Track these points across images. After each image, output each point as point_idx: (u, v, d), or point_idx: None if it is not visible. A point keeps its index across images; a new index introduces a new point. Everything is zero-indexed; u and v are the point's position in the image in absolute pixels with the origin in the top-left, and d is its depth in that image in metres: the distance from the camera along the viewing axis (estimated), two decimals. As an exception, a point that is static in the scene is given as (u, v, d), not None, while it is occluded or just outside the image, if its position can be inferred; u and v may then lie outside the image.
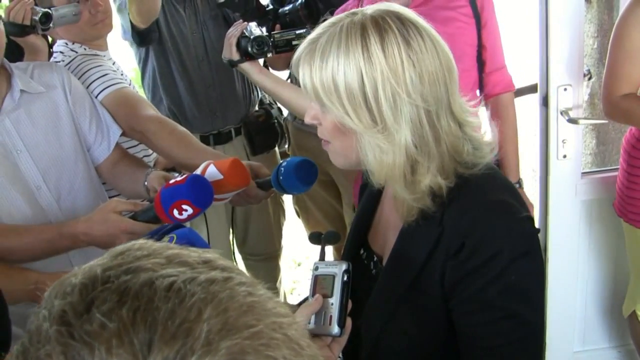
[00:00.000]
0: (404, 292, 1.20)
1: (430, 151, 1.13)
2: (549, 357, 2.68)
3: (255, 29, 1.96)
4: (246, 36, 1.92)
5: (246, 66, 1.95)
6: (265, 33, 1.95)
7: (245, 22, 1.98)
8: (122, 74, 2.21)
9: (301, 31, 1.95)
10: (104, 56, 2.20)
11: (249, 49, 1.91)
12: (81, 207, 1.80)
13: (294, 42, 1.94)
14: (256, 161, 1.91)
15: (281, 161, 1.58)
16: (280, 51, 1.96)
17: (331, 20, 1.17)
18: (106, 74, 2.07)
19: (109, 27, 2.21)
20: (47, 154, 1.77)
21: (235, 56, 1.93)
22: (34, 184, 1.74)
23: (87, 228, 1.54)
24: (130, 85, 2.19)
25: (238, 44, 1.92)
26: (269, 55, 1.94)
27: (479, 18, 2.08)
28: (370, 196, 1.40)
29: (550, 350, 2.67)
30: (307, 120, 1.24)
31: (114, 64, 2.23)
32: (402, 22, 1.12)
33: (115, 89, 2.03)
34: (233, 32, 1.95)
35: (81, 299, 0.51)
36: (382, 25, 1.11)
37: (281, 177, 1.53)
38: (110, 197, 1.97)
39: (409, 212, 1.18)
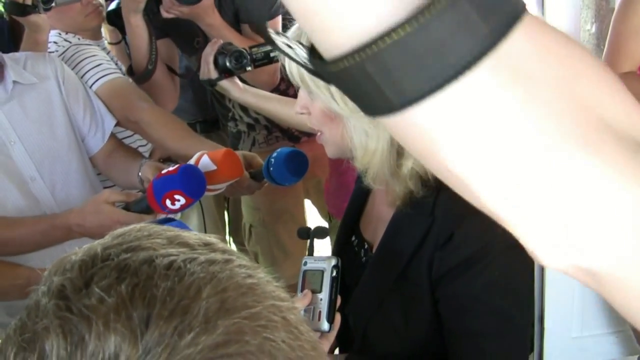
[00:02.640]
0: (391, 282, 1.19)
1: None
2: (547, 343, 2.68)
3: (231, 45, 1.91)
4: (223, 52, 1.86)
5: (226, 84, 1.87)
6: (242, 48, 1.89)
7: (221, 40, 1.93)
8: (116, 64, 2.20)
9: None
10: (98, 46, 2.19)
11: (228, 64, 1.85)
12: (76, 198, 1.79)
13: (272, 54, 1.88)
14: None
15: (272, 152, 1.57)
16: (259, 64, 1.89)
17: None
18: (100, 64, 2.06)
19: (100, 17, 2.19)
20: (41, 145, 1.76)
21: (214, 74, 1.86)
22: (28, 175, 1.73)
23: (80, 219, 1.53)
24: (124, 75, 2.18)
25: (215, 62, 1.86)
26: (248, 69, 1.87)
27: None
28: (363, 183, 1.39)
29: (548, 335, 2.67)
30: (297, 109, 1.23)
31: (108, 53, 2.23)
32: None
33: (110, 79, 2.02)
34: (209, 51, 1.88)
35: (80, 275, 0.51)
36: None
37: (271, 169, 1.53)
38: (105, 188, 1.97)
39: (397, 196, 1.17)
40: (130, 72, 2.21)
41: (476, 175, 0.38)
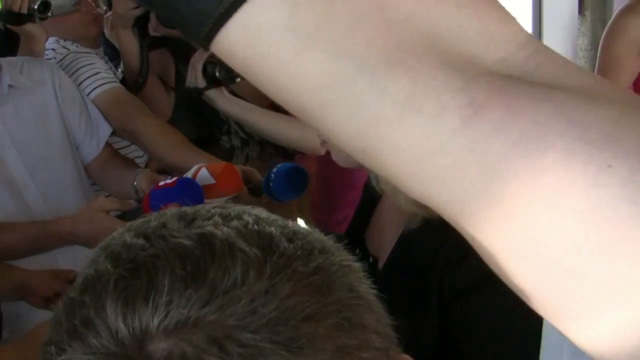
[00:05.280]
0: (400, 299, 1.16)
1: None
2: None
3: None
4: (212, 61, 1.81)
5: (213, 93, 1.82)
6: None
7: None
8: (114, 73, 2.18)
9: None
10: (97, 54, 2.18)
11: (217, 73, 1.80)
12: (68, 206, 1.77)
13: None
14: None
15: (272, 167, 1.55)
16: None
17: None
18: (98, 72, 2.04)
19: (99, 27, 2.18)
20: (34, 150, 1.74)
21: (202, 83, 1.81)
22: (21, 181, 1.71)
23: (73, 227, 1.51)
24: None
25: (204, 70, 1.82)
26: (238, 80, 1.83)
27: None
28: (371, 192, 1.36)
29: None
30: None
31: (106, 62, 2.21)
32: None
33: (108, 87, 2.00)
34: (198, 58, 1.83)
35: (180, 218, 0.48)
36: None
37: (271, 184, 1.50)
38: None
39: (412, 218, 1.13)
40: (123, 84, 2.19)
41: (284, 91, 0.34)
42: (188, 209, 0.49)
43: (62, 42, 2.13)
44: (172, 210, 0.50)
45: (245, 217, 0.48)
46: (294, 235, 0.49)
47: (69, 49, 2.11)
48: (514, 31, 0.33)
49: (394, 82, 0.31)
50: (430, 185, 0.33)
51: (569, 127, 0.29)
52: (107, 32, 2.33)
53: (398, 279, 1.17)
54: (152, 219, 0.49)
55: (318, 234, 0.53)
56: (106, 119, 1.92)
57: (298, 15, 0.31)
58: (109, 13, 2.29)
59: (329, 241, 0.53)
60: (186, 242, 0.44)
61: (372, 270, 1.27)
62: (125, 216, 1.50)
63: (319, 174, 2.02)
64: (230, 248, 0.44)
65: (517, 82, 0.31)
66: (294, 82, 0.32)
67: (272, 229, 0.48)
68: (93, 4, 2.12)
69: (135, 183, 1.71)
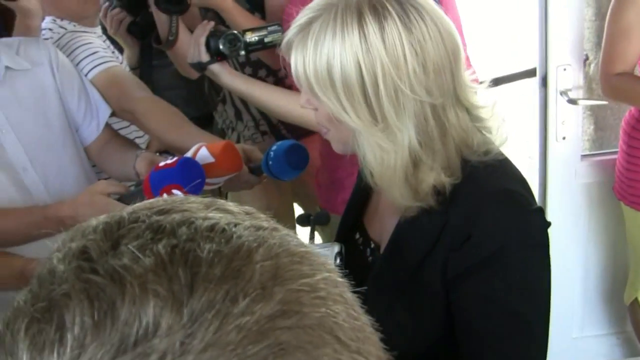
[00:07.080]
0: (402, 284, 1.14)
1: (435, 148, 1.06)
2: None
3: (224, 28, 1.83)
4: (215, 34, 1.78)
5: (216, 67, 1.79)
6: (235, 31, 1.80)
7: (213, 22, 1.85)
8: (113, 52, 2.14)
9: (272, 27, 1.79)
10: (95, 33, 2.13)
11: (221, 46, 1.76)
12: (70, 189, 1.74)
13: (266, 40, 1.79)
14: None
15: (271, 145, 1.51)
16: (252, 49, 1.81)
17: None
18: (96, 52, 2.00)
19: (97, 4, 2.14)
20: (33, 134, 1.70)
21: (205, 57, 1.77)
22: (20, 165, 1.67)
23: (72, 211, 1.47)
24: (122, 64, 2.13)
25: (207, 44, 1.78)
26: (242, 53, 1.79)
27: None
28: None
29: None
30: (302, 102, 1.15)
31: (104, 41, 2.17)
32: (402, 5, 1.03)
33: (106, 67, 1.96)
34: (200, 32, 1.79)
35: (106, 237, 0.43)
36: (380, 11, 1.01)
37: (270, 162, 1.47)
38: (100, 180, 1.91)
39: (408, 210, 1.11)
40: (158, 40, 2.14)
41: None
42: (125, 216, 0.45)
43: (59, 21, 2.08)
44: (107, 219, 0.45)
45: (181, 231, 0.43)
46: (235, 255, 0.42)
47: (66, 29, 2.06)
48: None
49: None
50: None
51: None
52: (110, 31, 2.29)
53: (399, 264, 1.15)
54: (80, 233, 0.45)
55: (284, 245, 0.45)
56: (105, 99, 1.88)
57: None
58: (115, 10, 2.25)
59: (298, 252, 0.45)
60: (97, 278, 0.40)
61: (374, 255, 1.25)
62: (125, 199, 1.47)
63: (323, 153, 1.99)
64: (142, 286, 0.39)
65: None
66: None
67: (208, 246, 0.42)
68: None
69: (134, 165, 1.68)
